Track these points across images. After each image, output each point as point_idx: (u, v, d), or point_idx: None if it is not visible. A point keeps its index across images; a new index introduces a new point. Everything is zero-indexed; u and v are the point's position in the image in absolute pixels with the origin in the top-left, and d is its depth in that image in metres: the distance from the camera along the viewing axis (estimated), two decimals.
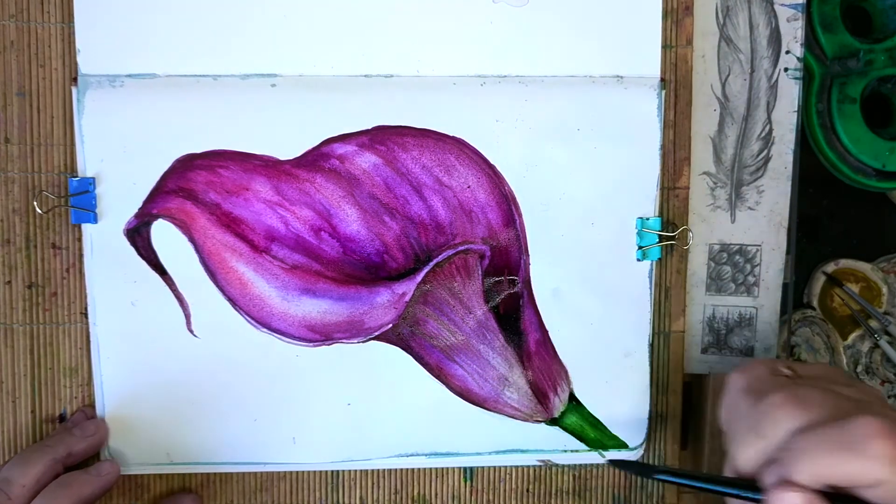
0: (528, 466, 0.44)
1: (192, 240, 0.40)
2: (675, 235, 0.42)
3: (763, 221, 0.44)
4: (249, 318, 0.40)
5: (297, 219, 0.40)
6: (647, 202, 0.42)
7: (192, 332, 0.41)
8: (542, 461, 0.43)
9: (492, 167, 0.41)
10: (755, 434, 0.33)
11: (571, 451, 0.43)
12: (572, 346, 0.42)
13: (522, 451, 0.43)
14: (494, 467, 0.44)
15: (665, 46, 0.42)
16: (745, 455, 0.33)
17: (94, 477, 0.38)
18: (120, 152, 0.39)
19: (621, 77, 0.41)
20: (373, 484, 0.43)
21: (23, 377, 0.41)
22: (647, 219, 0.42)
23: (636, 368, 0.43)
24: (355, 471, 0.43)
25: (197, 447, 0.41)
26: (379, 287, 0.40)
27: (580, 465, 0.44)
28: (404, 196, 0.41)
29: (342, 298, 0.40)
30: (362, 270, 0.41)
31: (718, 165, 0.44)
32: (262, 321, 0.40)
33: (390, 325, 0.41)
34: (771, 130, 0.44)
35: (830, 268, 0.47)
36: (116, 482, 0.40)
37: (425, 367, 0.42)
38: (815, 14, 0.46)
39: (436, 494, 0.44)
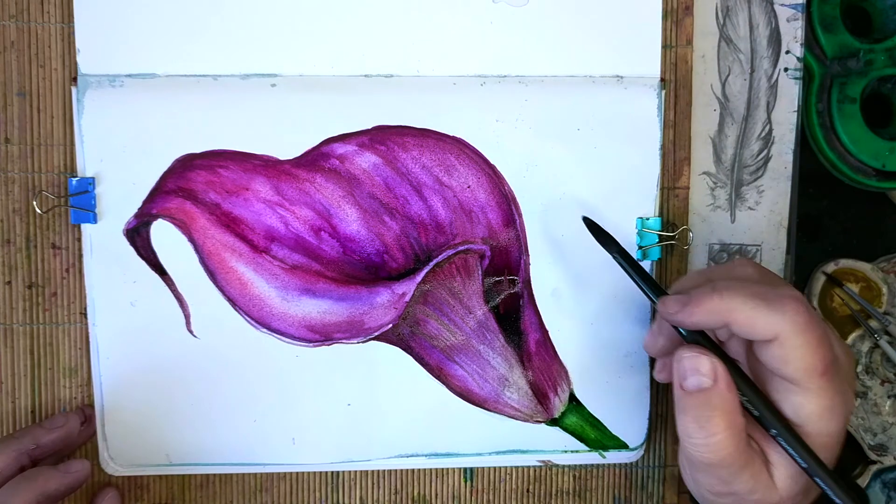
0: (529, 467, 0.44)
1: (191, 240, 0.40)
2: (675, 235, 0.42)
3: (763, 221, 0.44)
4: (249, 319, 0.40)
5: (297, 219, 0.40)
6: (647, 202, 0.42)
7: (191, 332, 0.41)
8: (543, 461, 0.43)
9: (492, 167, 0.41)
10: (703, 271, 0.37)
11: (572, 451, 0.43)
12: (572, 346, 0.42)
13: (522, 452, 0.43)
14: (495, 468, 0.44)
15: (665, 46, 0.42)
16: (693, 277, 0.37)
17: (62, 474, 0.37)
18: (120, 152, 0.39)
19: (621, 77, 0.41)
20: (373, 484, 0.43)
21: (22, 377, 0.41)
22: (647, 219, 0.42)
23: (636, 368, 0.43)
24: (355, 471, 0.43)
25: (197, 447, 0.41)
26: (379, 287, 0.40)
27: (580, 465, 0.44)
28: (404, 196, 0.40)
29: (342, 298, 0.40)
30: (362, 270, 0.41)
31: (718, 165, 0.44)
32: (262, 321, 0.40)
33: (390, 326, 0.41)
34: (771, 130, 0.44)
35: (830, 268, 0.47)
36: (86, 481, 0.38)
37: (425, 368, 0.42)
38: (815, 14, 0.46)
39: (436, 495, 0.44)
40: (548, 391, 0.42)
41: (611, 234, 0.39)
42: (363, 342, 0.41)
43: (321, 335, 0.41)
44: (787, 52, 0.44)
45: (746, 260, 0.37)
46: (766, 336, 0.32)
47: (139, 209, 0.40)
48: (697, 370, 0.33)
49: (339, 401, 0.42)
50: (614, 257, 0.38)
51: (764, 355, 0.33)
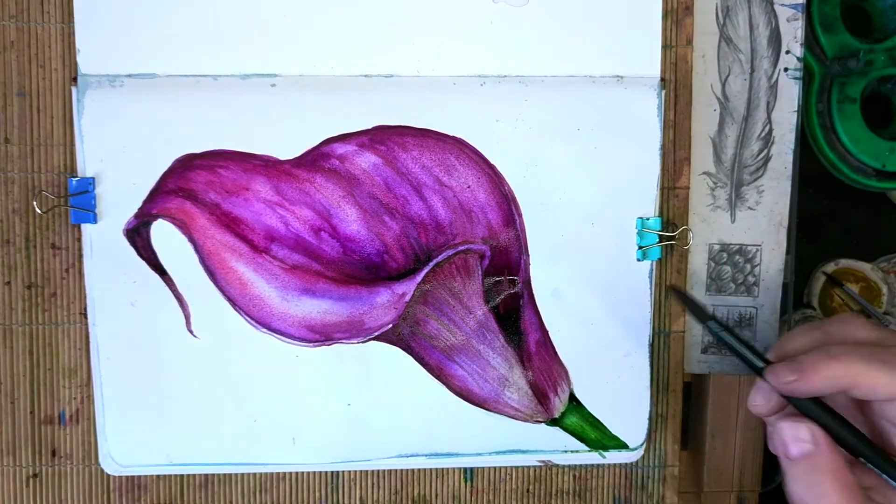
0: (529, 467, 0.44)
1: (191, 240, 0.40)
2: (675, 235, 0.42)
3: (763, 221, 0.44)
4: (249, 319, 0.40)
5: (297, 219, 0.40)
6: (647, 202, 0.42)
7: (191, 332, 0.41)
8: (543, 461, 0.43)
9: (492, 167, 0.41)
10: (817, 327, 0.37)
11: (572, 451, 0.43)
12: (572, 346, 0.42)
13: (523, 452, 0.43)
14: (495, 468, 0.44)
15: (665, 46, 0.42)
16: (799, 338, 0.37)
17: None
18: (120, 152, 0.39)
19: (621, 77, 0.41)
20: (373, 484, 0.43)
21: (22, 378, 0.41)
22: (647, 219, 0.42)
23: (636, 368, 0.43)
24: (355, 471, 0.43)
25: (197, 447, 0.41)
26: (379, 287, 0.40)
27: (580, 465, 0.44)
28: (404, 196, 0.40)
29: (342, 298, 0.40)
30: (362, 270, 0.41)
31: (718, 165, 0.44)
32: (262, 321, 0.40)
33: (390, 326, 0.41)
34: (771, 130, 0.44)
35: (830, 268, 0.47)
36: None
37: (425, 368, 0.42)
38: (815, 14, 0.46)
39: (436, 495, 0.44)
40: (548, 391, 0.42)
41: (703, 305, 0.39)
42: (363, 342, 0.41)
43: (321, 335, 0.41)
44: (787, 52, 0.44)
45: (856, 318, 0.37)
46: (890, 397, 0.34)
47: (139, 209, 0.40)
48: (798, 437, 0.34)
49: (339, 401, 0.42)
50: (711, 329, 0.38)
51: (887, 412, 0.35)
